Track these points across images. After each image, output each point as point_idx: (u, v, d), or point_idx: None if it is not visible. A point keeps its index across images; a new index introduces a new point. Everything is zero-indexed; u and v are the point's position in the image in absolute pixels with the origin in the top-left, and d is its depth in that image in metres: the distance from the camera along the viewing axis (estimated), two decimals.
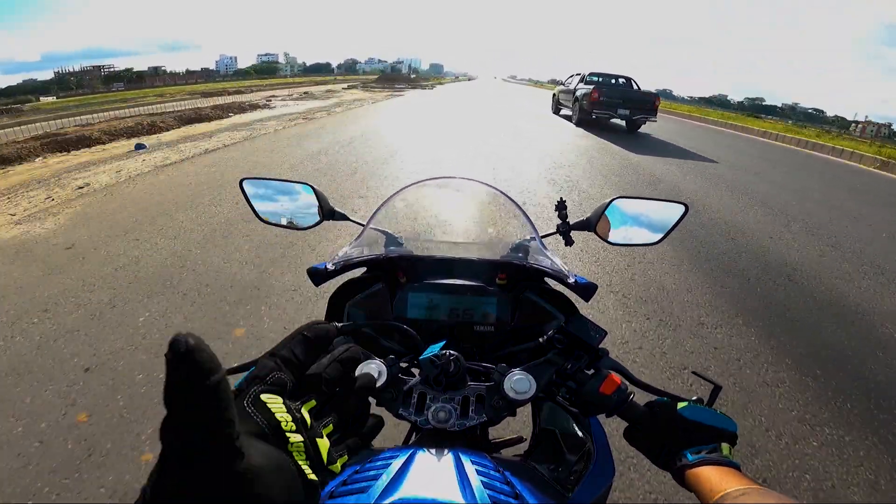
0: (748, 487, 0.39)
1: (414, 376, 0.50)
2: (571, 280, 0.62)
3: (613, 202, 0.73)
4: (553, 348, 0.52)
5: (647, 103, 9.41)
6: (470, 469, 0.39)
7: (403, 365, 0.52)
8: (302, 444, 0.24)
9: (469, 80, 71.51)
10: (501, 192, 0.75)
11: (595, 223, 0.74)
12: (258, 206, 0.78)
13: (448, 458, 0.40)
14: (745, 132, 13.64)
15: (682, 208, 0.73)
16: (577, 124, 10.22)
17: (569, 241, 0.79)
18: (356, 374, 0.33)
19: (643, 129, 10.01)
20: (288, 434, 0.23)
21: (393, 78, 39.04)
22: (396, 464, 0.39)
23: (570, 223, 0.77)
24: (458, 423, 0.46)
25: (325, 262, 0.64)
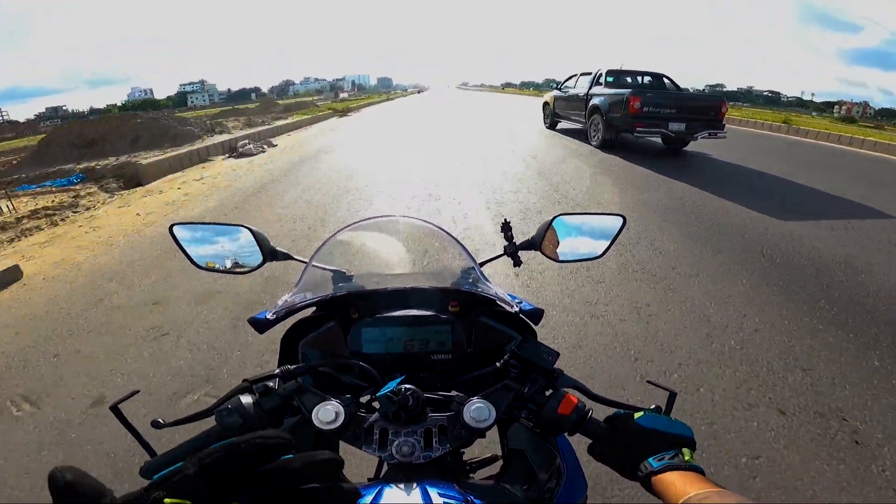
0: (710, 491, 0.42)
1: (375, 411, 0.52)
2: (515, 309, 0.66)
3: (556, 219, 0.80)
4: (510, 373, 0.56)
5: (709, 111, 6.83)
6: (438, 501, 0.42)
7: (363, 400, 0.58)
8: None
9: (419, 92, 63.80)
10: (439, 227, 0.78)
11: (540, 242, 0.80)
12: (193, 252, 0.77)
13: (416, 492, 0.43)
14: (779, 132, 11.63)
15: (620, 220, 0.81)
16: (602, 146, 7.51)
17: (517, 262, 0.85)
18: (312, 417, 0.47)
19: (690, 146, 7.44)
20: None
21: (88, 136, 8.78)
22: (365, 502, 0.42)
23: (517, 244, 0.83)
24: (424, 454, 0.49)
25: (266, 310, 0.66)
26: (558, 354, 0.57)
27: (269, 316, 0.65)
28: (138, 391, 0.57)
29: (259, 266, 0.78)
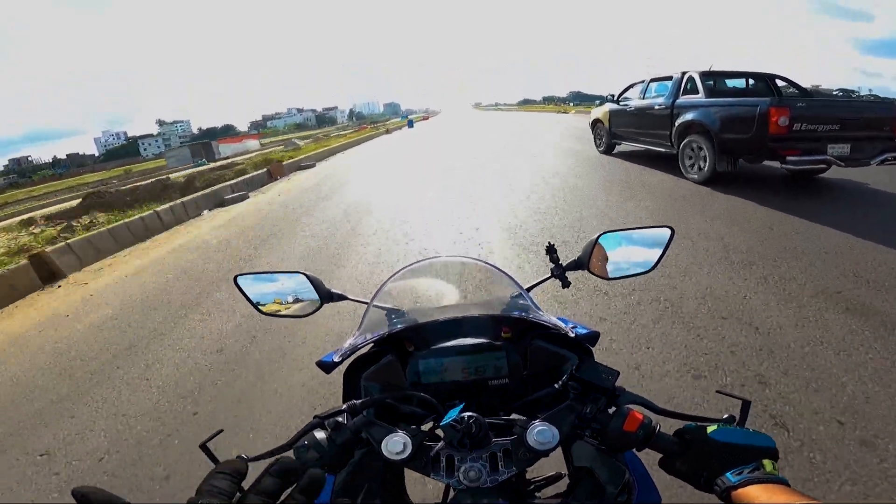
0: (801, 503, 0.43)
1: (439, 438, 0.61)
2: (572, 334, 0.74)
3: (601, 237, 0.90)
4: (570, 393, 0.62)
5: (881, 124, 5.02)
6: None
7: (425, 428, 0.70)
8: None
9: (414, 123, 43.19)
10: (484, 261, 0.93)
11: (587, 261, 0.91)
12: (256, 299, 0.97)
13: None
14: None
15: (668, 231, 0.89)
16: (709, 182, 5.75)
17: (565, 283, 0.98)
18: (382, 449, 0.57)
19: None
20: None
21: None
22: None
23: (563, 265, 0.97)
24: (490, 479, 0.55)
25: (333, 353, 0.80)
26: (618, 373, 0.62)
27: (335, 358, 0.76)
28: (222, 430, 0.67)
29: (317, 309, 0.96)
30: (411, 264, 0.93)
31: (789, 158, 4.72)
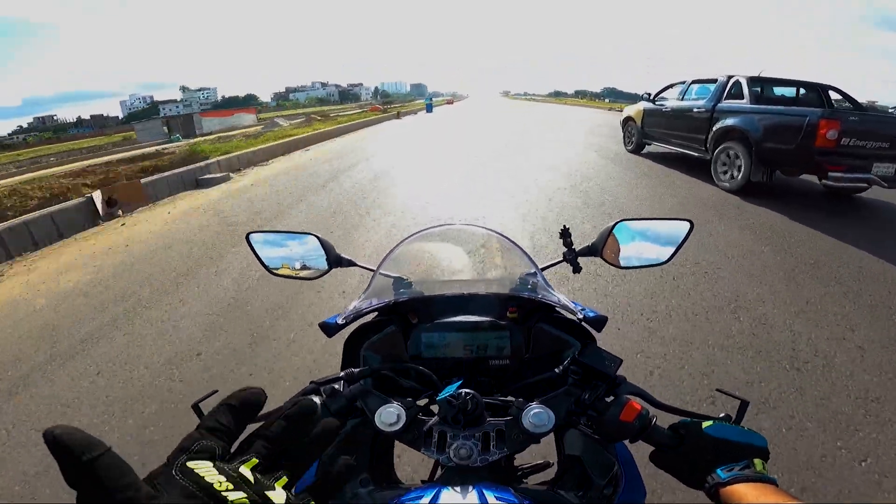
0: (785, 503, 0.45)
1: (434, 414, 0.60)
2: (580, 315, 0.74)
3: (618, 224, 0.88)
4: (569, 378, 0.63)
5: None
6: None
7: (422, 403, 0.68)
8: (245, 499, 0.29)
9: (430, 108, 34.09)
10: (499, 233, 0.89)
11: (601, 248, 0.89)
12: (266, 259, 0.96)
13: (472, 494, 0.48)
14: None
15: (687, 225, 0.87)
16: (744, 191, 5.64)
17: (577, 269, 0.96)
18: (375, 419, 0.57)
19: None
20: (225, 493, 0.28)
21: None
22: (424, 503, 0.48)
23: (577, 250, 0.94)
24: (481, 458, 0.55)
25: (336, 315, 0.79)
26: (621, 361, 0.62)
27: (339, 321, 0.76)
28: (217, 391, 0.60)
29: (325, 273, 0.95)
30: (424, 230, 0.91)
31: (831, 174, 4.60)
